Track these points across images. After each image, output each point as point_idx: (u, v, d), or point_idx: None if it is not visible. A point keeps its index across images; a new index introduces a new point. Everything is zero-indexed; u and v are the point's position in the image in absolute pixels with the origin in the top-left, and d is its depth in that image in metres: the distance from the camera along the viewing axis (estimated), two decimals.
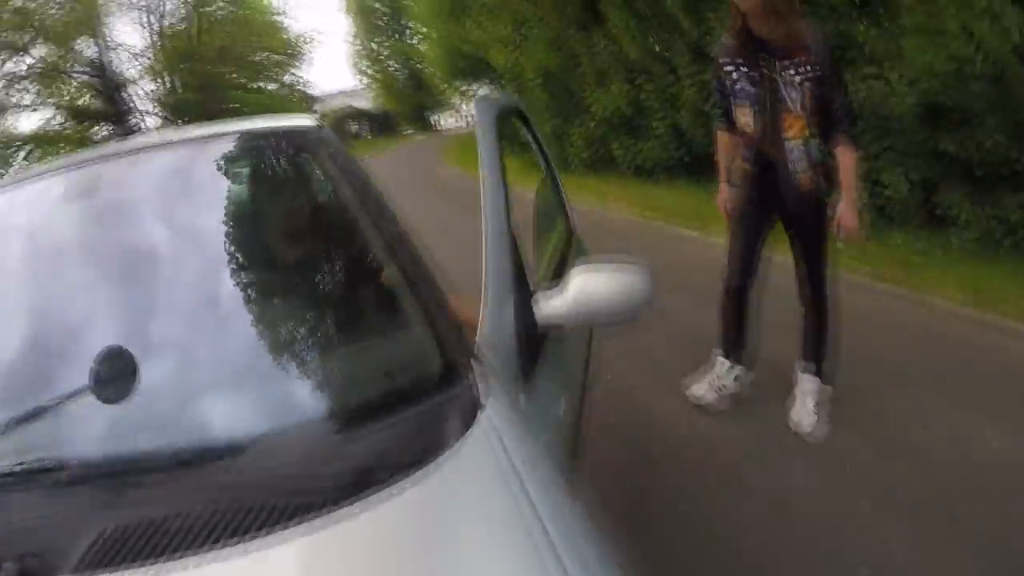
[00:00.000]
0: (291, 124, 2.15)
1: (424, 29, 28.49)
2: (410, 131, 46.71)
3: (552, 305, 1.87)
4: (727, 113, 3.70)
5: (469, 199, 2.33)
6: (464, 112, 28.15)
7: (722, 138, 3.85)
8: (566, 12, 13.30)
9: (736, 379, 4.12)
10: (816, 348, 3.86)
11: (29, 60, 27.89)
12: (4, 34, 26.39)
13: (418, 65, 37.55)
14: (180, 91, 30.82)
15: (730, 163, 3.85)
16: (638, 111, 11.59)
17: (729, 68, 3.55)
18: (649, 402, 4.33)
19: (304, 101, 37.33)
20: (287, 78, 35.73)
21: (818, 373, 3.86)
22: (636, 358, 4.69)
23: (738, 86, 3.53)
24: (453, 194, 12.82)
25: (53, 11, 27.13)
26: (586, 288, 1.85)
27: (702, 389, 4.17)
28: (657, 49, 10.92)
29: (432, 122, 47.18)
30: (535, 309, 1.89)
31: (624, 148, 12.25)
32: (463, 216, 5.76)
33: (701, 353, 4.36)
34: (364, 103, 50.47)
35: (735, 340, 4.08)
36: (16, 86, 27.88)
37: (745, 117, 3.56)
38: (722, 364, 4.14)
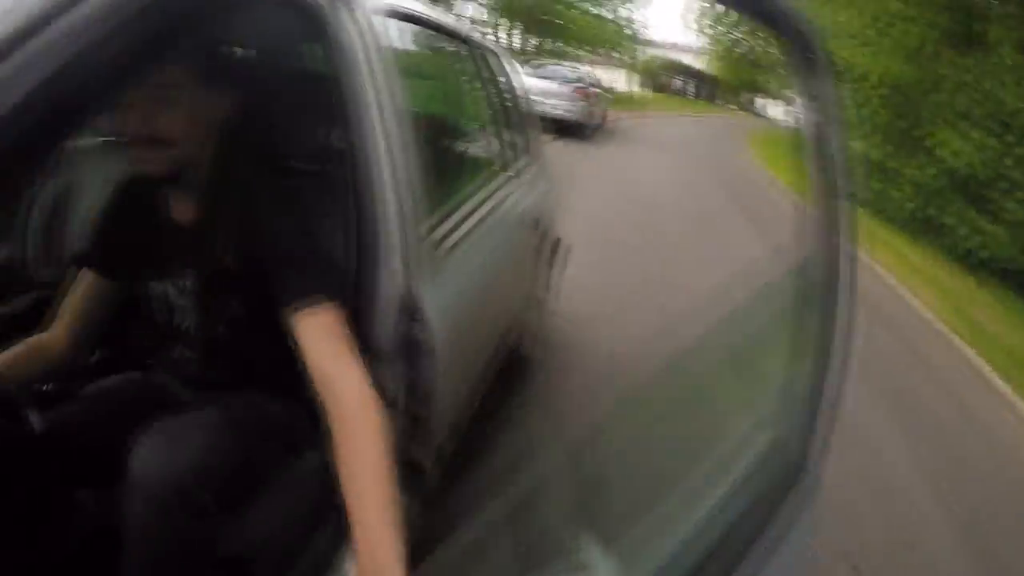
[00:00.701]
0: None
1: None
2: (732, 105, 43.97)
3: None
4: None
5: None
6: (793, 109, 25.12)
7: None
8: (940, 20, 10.28)
9: None
10: None
11: None
12: None
13: (760, 41, 34.83)
14: None
15: None
16: (996, 179, 8.61)
17: None
18: None
19: (631, 39, 35.51)
20: (621, 11, 33.87)
21: None
22: None
23: None
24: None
25: None
26: None
27: None
28: None
29: (755, 105, 43.90)
30: None
31: (960, 221, 9.17)
32: None
33: None
34: (693, 61, 48.21)
35: None
36: None
37: None
38: None
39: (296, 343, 1.31)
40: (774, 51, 25.68)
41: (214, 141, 1.44)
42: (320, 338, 1.31)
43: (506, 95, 3.19)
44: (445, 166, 2.26)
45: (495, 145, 2.93)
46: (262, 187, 1.44)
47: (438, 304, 1.75)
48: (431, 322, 1.70)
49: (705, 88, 48.51)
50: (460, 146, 2.58)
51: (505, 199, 2.69)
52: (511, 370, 3.19)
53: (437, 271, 1.82)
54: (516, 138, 3.21)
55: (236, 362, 1.52)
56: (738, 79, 43.60)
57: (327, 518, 1.48)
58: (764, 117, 37.53)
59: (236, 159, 1.46)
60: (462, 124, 2.69)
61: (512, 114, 3.23)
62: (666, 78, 48.31)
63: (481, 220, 2.31)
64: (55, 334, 1.56)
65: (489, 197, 2.51)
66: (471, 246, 2.15)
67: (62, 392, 1.57)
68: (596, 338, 4.21)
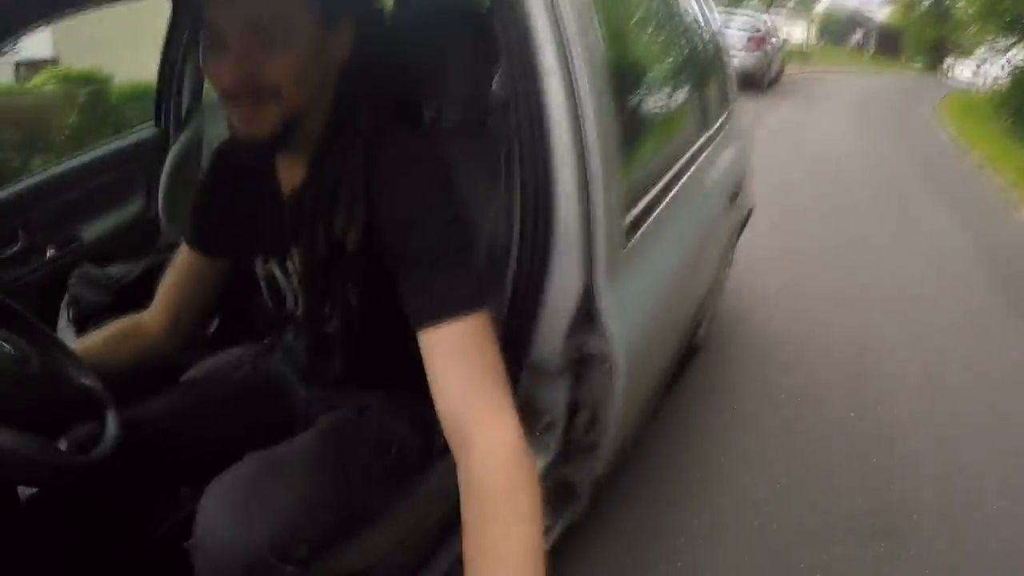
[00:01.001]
0: None
1: None
2: (916, 63, 41.16)
3: None
4: None
5: None
6: (983, 72, 22.55)
7: None
8: None
9: None
10: None
11: None
12: None
13: None
14: None
15: None
16: None
17: None
18: None
19: None
20: None
21: None
22: None
23: None
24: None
25: None
26: None
27: None
28: None
29: (943, 67, 40.90)
30: None
31: None
32: None
33: None
34: (875, 14, 45.61)
35: None
36: None
37: None
38: None
39: (425, 361, 0.92)
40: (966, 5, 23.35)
41: (332, 91, 1.05)
42: (456, 360, 0.91)
43: (704, 37, 2.62)
44: (639, 127, 1.77)
45: (695, 98, 2.40)
46: (393, 151, 1.02)
47: (622, 310, 1.33)
48: (612, 333, 1.29)
49: (886, 43, 45.69)
50: (657, 100, 2.06)
51: (704, 168, 2.19)
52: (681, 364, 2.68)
53: (624, 267, 1.38)
54: (714, 88, 2.66)
55: (350, 359, 1.24)
56: (923, 35, 40.65)
57: (439, 551, 1.27)
58: (953, 78, 34.86)
59: (360, 114, 1.06)
60: (658, 71, 2.16)
61: (711, 59, 2.68)
62: (845, 31, 46.01)
63: (677, 198, 1.82)
64: (151, 315, 1.28)
65: (687, 167, 2.01)
66: (664, 232, 1.67)
67: (161, 377, 1.33)
68: (774, 323, 3.62)
